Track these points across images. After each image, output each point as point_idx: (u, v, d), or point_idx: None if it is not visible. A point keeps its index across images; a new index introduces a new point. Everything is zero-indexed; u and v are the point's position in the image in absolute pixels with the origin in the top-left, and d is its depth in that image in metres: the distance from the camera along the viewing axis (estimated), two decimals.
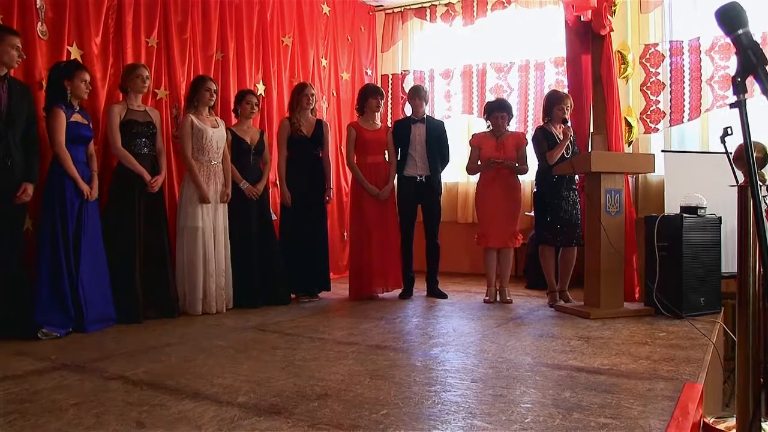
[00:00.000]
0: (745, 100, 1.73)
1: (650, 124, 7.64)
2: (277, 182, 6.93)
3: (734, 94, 1.74)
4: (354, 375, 3.63)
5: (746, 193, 2.61)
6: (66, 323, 4.81)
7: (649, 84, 7.68)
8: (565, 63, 7.20)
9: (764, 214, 1.71)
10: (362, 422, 2.80)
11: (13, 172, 4.62)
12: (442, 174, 6.93)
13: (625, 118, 7.15)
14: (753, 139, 1.78)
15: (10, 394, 3.24)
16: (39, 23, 5.31)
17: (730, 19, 1.77)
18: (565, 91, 6.65)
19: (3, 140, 4.56)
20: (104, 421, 2.82)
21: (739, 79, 1.73)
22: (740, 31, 1.75)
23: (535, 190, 6.41)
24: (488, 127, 6.58)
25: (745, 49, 1.73)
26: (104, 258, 5.21)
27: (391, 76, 9.71)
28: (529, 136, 6.59)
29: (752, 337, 2.79)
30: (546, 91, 7.54)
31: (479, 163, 6.51)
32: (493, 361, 3.97)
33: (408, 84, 9.42)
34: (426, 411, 2.98)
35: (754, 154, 1.71)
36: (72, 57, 5.49)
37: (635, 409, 2.96)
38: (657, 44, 7.62)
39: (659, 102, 7.64)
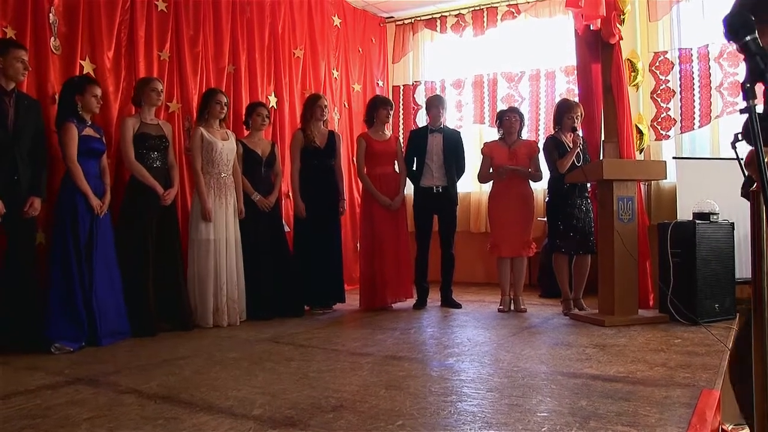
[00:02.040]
0: (755, 105, 1.73)
1: (661, 131, 7.63)
2: (290, 194, 6.94)
3: (744, 99, 1.73)
4: (369, 386, 3.61)
5: (759, 198, 2.59)
6: (79, 337, 4.80)
7: (659, 91, 7.66)
8: (575, 72, 7.19)
9: None
10: None
11: (20, 186, 4.63)
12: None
13: (636, 125, 7.13)
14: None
15: (22, 410, 3.22)
16: (52, 38, 5.35)
17: (738, 27, 1.77)
18: (576, 99, 6.65)
19: (9, 154, 4.57)
20: None
21: (748, 85, 1.73)
22: (748, 38, 1.75)
23: (547, 198, 6.39)
24: (500, 133, 6.58)
25: (754, 55, 1.73)
26: (117, 271, 5.21)
27: (402, 87, 9.73)
28: (540, 145, 6.57)
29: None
30: (557, 99, 7.54)
31: (491, 171, 6.50)
32: (509, 371, 3.94)
33: (419, 95, 9.45)
34: (442, 421, 2.96)
35: (767, 159, 1.69)
36: (85, 71, 5.54)
37: (652, 416, 2.94)
38: (666, 52, 7.62)
39: (670, 109, 7.63)
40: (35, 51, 5.22)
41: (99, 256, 5.03)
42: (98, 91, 5.17)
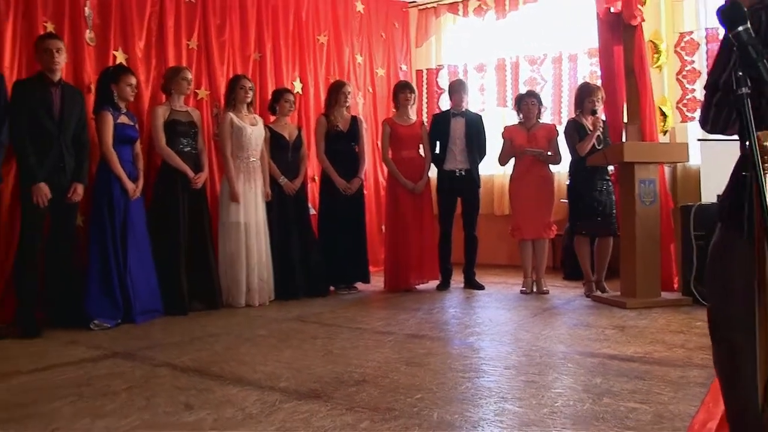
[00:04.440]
0: (748, 93, 1.82)
1: (686, 113, 7.62)
2: (315, 177, 7.11)
3: (735, 87, 1.82)
4: (391, 362, 3.78)
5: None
6: (116, 315, 5.05)
7: (684, 72, 7.64)
8: (598, 54, 7.23)
9: None
10: (397, 405, 2.95)
11: (65, 172, 4.86)
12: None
13: (659, 107, 7.16)
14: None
15: (68, 379, 3.47)
16: (87, 30, 5.57)
17: (731, 17, 1.86)
18: (599, 82, 6.72)
19: (56, 143, 4.80)
20: (154, 404, 3.01)
21: (740, 73, 1.82)
22: (740, 28, 1.83)
23: (568, 182, 6.49)
24: (519, 117, 6.69)
25: (746, 44, 1.82)
26: (150, 253, 5.43)
27: (425, 71, 9.80)
28: (561, 128, 6.66)
29: None
30: (579, 82, 7.58)
31: (511, 154, 6.63)
32: (527, 349, 4.09)
33: (442, 78, 9.52)
34: (459, 395, 3.12)
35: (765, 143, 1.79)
36: (117, 61, 5.75)
37: (666, 394, 3.06)
38: (692, 32, 7.57)
39: (695, 90, 7.60)
40: (72, 43, 5.45)
41: (133, 238, 5.26)
42: (133, 80, 5.39)
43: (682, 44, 7.59)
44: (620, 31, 6.38)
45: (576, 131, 6.21)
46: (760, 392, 1.78)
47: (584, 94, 6.28)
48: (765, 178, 1.75)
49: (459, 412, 2.86)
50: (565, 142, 6.39)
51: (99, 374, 3.58)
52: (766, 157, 1.76)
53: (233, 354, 4.06)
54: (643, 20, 6.38)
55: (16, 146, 4.68)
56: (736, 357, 1.97)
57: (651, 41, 7.27)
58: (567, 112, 8.23)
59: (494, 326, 4.92)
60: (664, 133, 7.31)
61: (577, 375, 3.48)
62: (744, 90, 1.80)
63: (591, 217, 6.15)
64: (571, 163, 6.40)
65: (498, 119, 8.84)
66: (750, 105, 1.79)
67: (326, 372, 3.56)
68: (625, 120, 6.31)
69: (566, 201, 6.67)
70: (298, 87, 7.64)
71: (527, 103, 6.62)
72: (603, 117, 6.36)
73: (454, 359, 3.88)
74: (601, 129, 6.16)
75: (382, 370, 3.61)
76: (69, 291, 4.99)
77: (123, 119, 5.30)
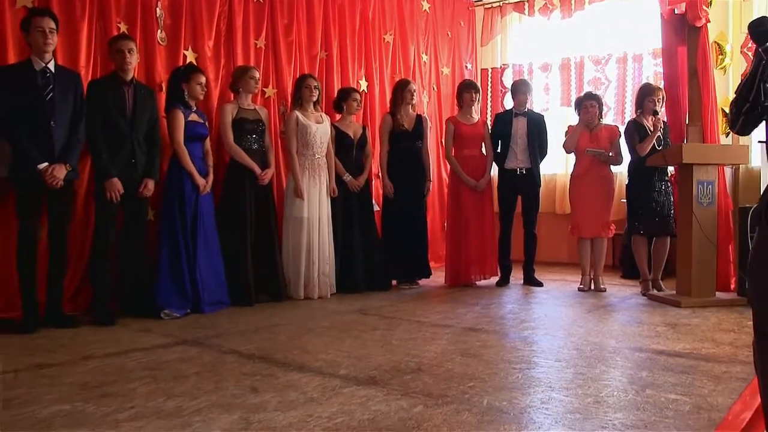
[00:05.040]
0: None
1: None
2: (380, 174, 7.29)
3: (764, 99, 1.94)
4: (446, 353, 3.93)
5: None
6: (184, 305, 5.28)
7: None
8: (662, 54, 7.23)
9: None
10: (450, 392, 3.09)
11: (137, 168, 5.10)
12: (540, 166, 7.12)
13: (722, 108, 7.13)
14: None
15: (142, 363, 3.70)
16: (159, 30, 5.80)
17: (762, 33, 1.98)
18: (662, 83, 6.75)
19: (128, 140, 5.04)
20: (222, 387, 3.20)
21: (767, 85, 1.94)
22: None
23: (627, 181, 6.53)
24: (580, 119, 6.75)
25: None
26: (218, 246, 5.64)
27: (490, 70, 9.86)
28: (623, 128, 6.70)
29: None
30: (644, 82, 7.59)
31: (574, 154, 6.72)
32: (579, 344, 4.18)
33: (507, 78, 9.57)
34: (509, 384, 3.25)
35: None
36: (188, 60, 5.97)
37: (707, 388, 3.16)
38: None
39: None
40: (144, 43, 5.68)
41: (202, 232, 5.48)
42: (202, 79, 5.60)
43: (750, 44, 7.51)
44: (684, 33, 6.40)
45: (636, 131, 6.25)
46: None
47: (644, 95, 6.33)
48: None
49: (507, 399, 2.99)
50: (625, 142, 6.43)
51: (170, 359, 3.79)
52: None
53: (296, 343, 4.24)
54: (708, 21, 6.37)
55: (90, 144, 4.92)
56: None
57: (716, 42, 7.22)
58: (630, 113, 8.22)
59: (549, 321, 5.02)
60: (727, 134, 7.26)
61: (624, 368, 3.59)
62: None
63: (649, 217, 6.19)
64: (630, 163, 6.45)
65: (562, 118, 8.88)
66: None
67: (384, 361, 3.72)
68: (687, 121, 6.32)
69: (626, 201, 6.71)
70: (363, 85, 7.80)
71: (587, 106, 6.67)
72: (664, 118, 6.39)
73: (507, 351, 4.01)
74: (661, 129, 6.19)
75: (437, 360, 3.75)
76: (140, 282, 5.24)
77: (193, 117, 5.52)
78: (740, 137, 7.23)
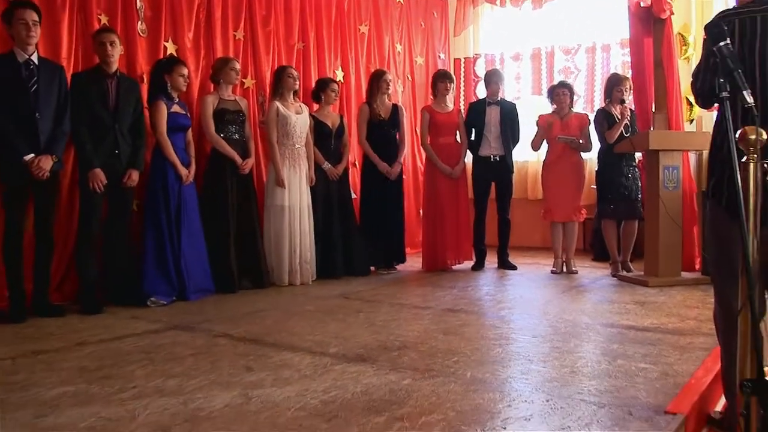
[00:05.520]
0: (728, 96, 2.15)
1: None
2: (356, 163, 7.45)
3: (717, 92, 2.16)
4: (429, 332, 4.12)
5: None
6: (170, 292, 5.40)
7: None
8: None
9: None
10: (436, 366, 3.28)
11: (121, 159, 5.20)
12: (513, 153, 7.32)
13: (686, 97, 7.34)
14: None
15: (137, 347, 3.83)
16: (139, 22, 5.88)
17: (716, 35, 2.21)
18: (630, 72, 6.97)
19: (111, 131, 5.14)
20: (219, 367, 3.36)
21: (721, 80, 2.15)
22: (722, 44, 2.18)
23: (597, 167, 6.77)
24: (552, 107, 6.97)
25: (726, 57, 2.16)
26: (202, 234, 5.77)
27: (463, 60, 10.05)
28: (593, 116, 6.92)
29: None
30: (612, 71, 7.81)
31: (544, 141, 6.94)
32: (553, 321, 4.41)
33: (479, 67, 9.77)
34: (490, 358, 3.46)
35: (755, 137, 2.09)
36: (168, 52, 6.07)
37: (672, 357, 3.41)
38: None
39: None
40: (125, 35, 5.75)
41: (186, 221, 5.60)
42: (185, 71, 5.71)
43: None
44: (650, 24, 6.60)
45: (605, 119, 6.51)
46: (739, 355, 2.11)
47: (612, 84, 6.60)
48: (749, 165, 2.09)
49: (490, 372, 3.19)
50: (595, 130, 6.66)
51: (163, 343, 3.93)
52: (750, 147, 2.08)
53: (283, 326, 4.40)
54: (672, 13, 6.59)
55: (73, 135, 5.00)
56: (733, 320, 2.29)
57: (680, 33, 7.45)
58: (599, 101, 8.44)
59: (524, 302, 5.24)
60: (691, 121, 7.51)
61: (596, 342, 3.83)
62: (724, 94, 2.14)
63: (618, 201, 6.44)
64: (599, 150, 6.71)
65: (533, 107, 9.06)
66: (729, 105, 2.14)
67: (371, 340, 3.89)
68: (654, 109, 6.55)
69: (596, 187, 6.93)
70: (339, 75, 7.94)
71: (559, 93, 6.90)
72: (631, 106, 6.63)
73: (486, 329, 4.21)
74: (628, 117, 6.44)
75: (421, 338, 3.94)
76: (126, 271, 5.35)
77: (176, 108, 5.63)
78: (703, 125, 7.59)
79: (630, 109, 6.59)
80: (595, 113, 6.92)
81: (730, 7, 2.69)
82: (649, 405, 2.67)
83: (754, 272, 2.07)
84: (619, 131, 6.40)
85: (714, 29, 2.24)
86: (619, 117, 6.45)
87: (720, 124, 2.47)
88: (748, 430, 2.02)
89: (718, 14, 2.60)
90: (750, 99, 2.12)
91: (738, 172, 2.02)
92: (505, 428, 2.43)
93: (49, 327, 4.43)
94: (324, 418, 2.56)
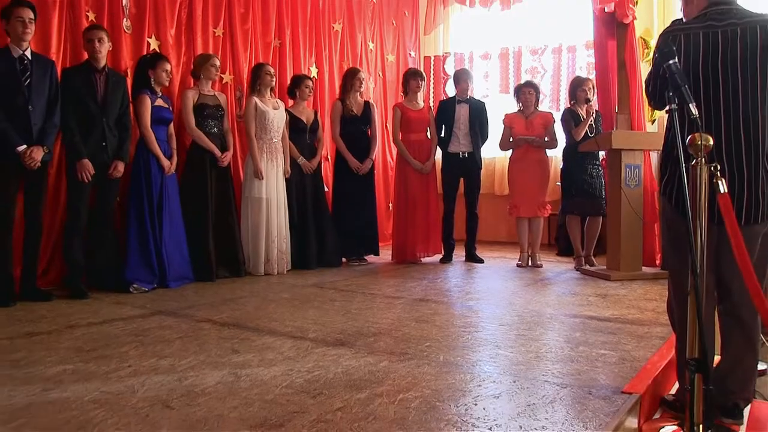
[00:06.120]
0: (676, 109, 2.43)
1: None
2: (329, 158, 7.67)
3: (667, 103, 2.44)
4: (402, 320, 4.37)
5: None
6: (152, 280, 5.61)
7: None
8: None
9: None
10: (410, 351, 3.54)
11: (107, 151, 5.40)
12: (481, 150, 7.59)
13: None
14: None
15: (126, 330, 4.04)
16: (124, 19, 6.07)
17: (666, 54, 2.49)
18: (594, 73, 7.28)
19: (99, 124, 5.34)
20: (206, 349, 3.58)
21: (670, 94, 2.43)
22: (671, 62, 2.47)
23: (562, 165, 7.07)
24: (518, 106, 7.26)
25: (674, 73, 2.44)
26: (182, 224, 5.97)
27: (433, 58, 10.31)
28: (559, 116, 7.22)
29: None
30: (578, 72, 8.12)
31: (511, 140, 7.19)
32: (520, 311, 4.68)
33: (449, 65, 10.04)
34: (461, 344, 3.73)
35: (701, 142, 2.37)
36: (151, 48, 6.26)
37: (630, 344, 3.69)
38: None
39: None
40: (111, 31, 5.89)
41: (168, 211, 5.81)
42: (168, 66, 5.90)
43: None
44: (614, 28, 6.90)
45: (571, 118, 6.83)
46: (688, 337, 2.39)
47: (576, 86, 6.93)
48: (698, 169, 2.36)
49: (461, 356, 3.46)
50: (562, 128, 6.97)
51: (151, 327, 4.14)
52: (699, 152, 2.36)
53: (263, 312, 4.64)
54: (635, 18, 6.90)
55: (63, 127, 5.20)
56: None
57: (642, 37, 7.75)
58: (565, 100, 8.73)
59: (492, 293, 5.51)
60: (653, 122, 7.82)
61: (560, 331, 4.11)
62: (673, 106, 2.43)
63: (582, 198, 6.76)
64: (564, 148, 7.03)
65: (500, 105, 9.33)
66: (677, 117, 2.44)
67: (347, 326, 4.14)
68: (617, 110, 6.85)
69: (560, 184, 7.23)
70: (314, 72, 8.16)
71: (525, 92, 7.21)
72: (596, 107, 6.94)
73: (456, 318, 4.49)
74: (593, 117, 6.75)
75: (394, 325, 4.19)
76: (110, 258, 5.55)
77: (159, 102, 5.82)
78: (664, 126, 7.89)
79: (596, 110, 6.92)
80: (561, 113, 7.20)
81: (679, 18, 3.00)
82: (607, 386, 2.94)
83: (702, 264, 2.36)
84: (585, 129, 6.71)
85: (664, 49, 2.53)
86: (585, 116, 6.76)
87: (670, 131, 2.76)
88: (692, 402, 2.30)
89: (666, 28, 2.89)
90: (695, 111, 2.40)
91: (686, 176, 2.30)
92: (476, 404, 2.69)
93: (40, 310, 4.62)
94: (310, 395, 2.80)
